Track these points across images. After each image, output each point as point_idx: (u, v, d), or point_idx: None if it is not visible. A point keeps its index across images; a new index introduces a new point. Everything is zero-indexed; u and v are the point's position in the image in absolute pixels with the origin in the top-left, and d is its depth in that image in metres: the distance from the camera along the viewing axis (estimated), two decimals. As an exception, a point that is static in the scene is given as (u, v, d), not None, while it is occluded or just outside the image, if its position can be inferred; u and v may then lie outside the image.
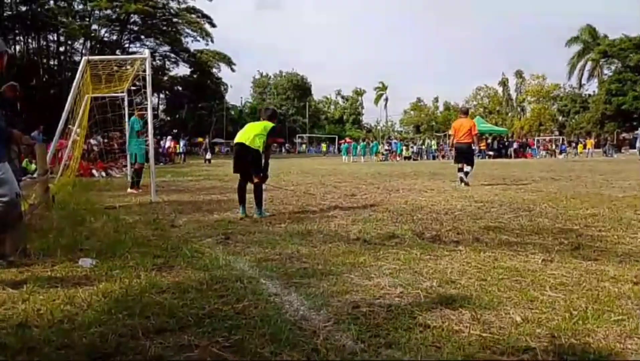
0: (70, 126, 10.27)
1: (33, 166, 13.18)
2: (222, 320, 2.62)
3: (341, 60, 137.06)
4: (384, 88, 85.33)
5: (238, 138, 6.57)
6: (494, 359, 2.17)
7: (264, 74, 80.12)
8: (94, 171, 16.86)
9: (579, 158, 36.14)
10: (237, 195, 6.71)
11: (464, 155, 11.65)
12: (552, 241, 4.69)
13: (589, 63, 63.97)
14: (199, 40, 52.85)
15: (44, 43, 45.76)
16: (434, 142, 49.84)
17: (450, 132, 12.41)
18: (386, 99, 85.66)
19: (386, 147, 42.23)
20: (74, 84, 8.49)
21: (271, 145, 6.88)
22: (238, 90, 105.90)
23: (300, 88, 76.69)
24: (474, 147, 12.22)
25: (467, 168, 11.66)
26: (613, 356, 2.19)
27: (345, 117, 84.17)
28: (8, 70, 4.19)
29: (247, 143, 6.40)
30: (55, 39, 45.84)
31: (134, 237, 4.99)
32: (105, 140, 21.64)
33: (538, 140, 49.75)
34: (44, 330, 2.48)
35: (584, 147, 43.24)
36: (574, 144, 47.86)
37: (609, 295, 3.00)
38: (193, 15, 51.44)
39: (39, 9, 40.74)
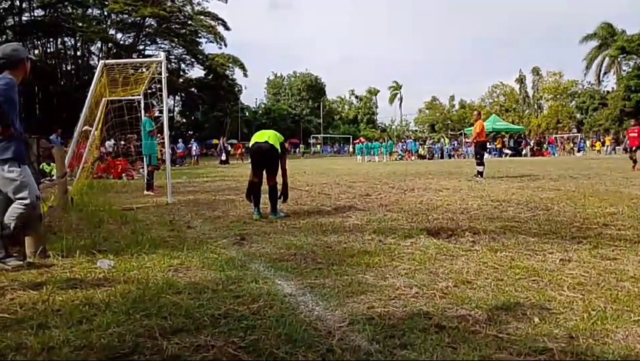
0: (88, 127, 10.40)
1: (51, 168, 13.40)
2: (238, 321, 2.64)
3: (355, 59, 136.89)
4: (399, 87, 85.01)
5: (259, 138, 6.56)
6: (510, 360, 2.15)
7: (278, 74, 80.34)
8: (130, 172, 17.18)
9: (597, 155, 35.56)
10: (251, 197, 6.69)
11: (476, 153, 14.01)
12: (570, 240, 4.62)
13: (607, 59, 62.94)
14: (212, 42, 53.29)
15: (62, 47, 46.49)
16: (448, 140, 49.47)
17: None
18: (400, 98, 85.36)
19: (402, 147, 42.05)
20: (91, 87, 8.60)
21: (286, 158, 6.89)
22: (252, 91, 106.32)
23: (314, 88, 76.68)
24: (488, 146, 14.22)
25: (479, 168, 13.24)
26: (633, 357, 2.16)
27: (359, 117, 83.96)
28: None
29: (270, 141, 6.46)
30: (73, 43, 46.58)
31: (151, 238, 5.04)
32: (122, 143, 21.89)
33: (556, 138, 49.08)
34: (63, 331, 2.52)
35: (602, 144, 42.54)
36: (591, 140, 47.03)
37: (629, 295, 2.96)
38: (207, 18, 51.83)
39: (56, 14, 41.42)
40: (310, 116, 75.31)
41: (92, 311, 2.84)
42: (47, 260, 4.11)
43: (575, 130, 59.45)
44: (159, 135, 10.96)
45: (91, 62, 45.31)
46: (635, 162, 15.54)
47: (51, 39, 44.51)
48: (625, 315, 2.63)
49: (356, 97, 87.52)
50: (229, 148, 36.87)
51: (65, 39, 45.63)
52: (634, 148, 16.19)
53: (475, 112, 15.92)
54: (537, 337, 2.37)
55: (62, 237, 4.93)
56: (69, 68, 47.92)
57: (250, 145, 6.73)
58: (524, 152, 39.84)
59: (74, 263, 4.02)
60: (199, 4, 51.17)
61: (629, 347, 2.25)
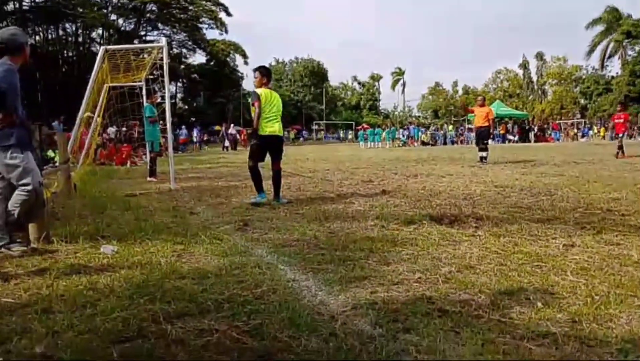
0: (89, 114, 10.38)
1: (55, 155, 13.41)
2: (241, 305, 2.65)
3: (358, 45, 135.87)
4: (401, 73, 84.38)
5: (278, 131, 6.65)
6: (513, 343, 2.15)
7: (280, 60, 79.87)
8: (133, 158, 17.20)
9: (601, 141, 35.40)
10: (253, 182, 6.67)
11: (482, 138, 13.90)
12: (574, 225, 4.61)
13: (612, 44, 62.33)
14: (214, 28, 52.91)
15: (63, 34, 46.25)
16: (452, 127, 49.30)
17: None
18: (403, 84, 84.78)
19: (406, 133, 41.95)
20: (93, 73, 8.57)
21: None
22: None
23: (316, 74, 76.18)
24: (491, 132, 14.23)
25: (483, 153, 13.41)
26: (636, 342, 2.16)
27: (362, 103, 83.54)
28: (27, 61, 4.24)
29: (280, 134, 6.74)
30: (74, 29, 46.33)
31: (154, 224, 5.05)
32: (124, 130, 21.89)
33: (560, 124, 48.85)
34: (67, 315, 2.53)
35: (606, 129, 42.36)
36: (597, 127, 46.83)
37: (632, 280, 2.95)
38: (209, 3, 51.40)
39: (57, 0, 41.13)
40: (313, 102, 74.98)
41: (96, 296, 2.85)
42: (51, 246, 4.13)
43: (579, 116, 59.13)
44: (160, 121, 10.92)
45: (92, 49, 44.99)
46: (620, 148, 14.97)
47: (52, 25, 44.23)
48: (629, 299, 2.63)
49: (359, 83, 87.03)
50: (237, 135, 36.61)
51: (66, 25, 45.36)
52: (620, 135, 15.76)
53: (480, 98, 15.84)
54: (540, 321, 2.37)
55: (65, 223, 4.94)
56: (70, 54, 47.69)
57: (267, 134, 6.53)
58: (528, 136, 39.76)
59: (77, 249, 4.04)
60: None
61: (632, 331, 2.25)
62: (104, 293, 2.89)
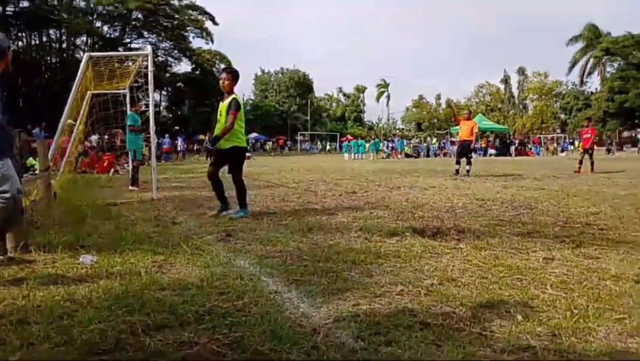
0: (71, 121, 10.26)
1: (35, 162, 13.18)
2: (223, 317, 2.62)
3: (343, 57, 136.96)
4: (386, 85, 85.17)
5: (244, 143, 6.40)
6: (494, 357, 2.16)
7: (266, 70, 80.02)
8: (115, 167, 16.97)
9: (580, 156, 36.01)
10: (216, 192, 6.41)
11: (466, 152, 14.13)
12: (553, 239, 4.67)
13: (591, 60, 63.77)
14: (200, 37, 52.83)
15: (47, 40, 45.77)
16: (435, 139, 49.77)
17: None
18: (388, 96, 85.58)
19: (389, 145, 42.24)
20: (76, 80, 8.48)
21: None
22: (239, 87, 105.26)
23: (302, 85, 76.52)
24: (473, 146, 14.92)
25: (467, 167, 13.70)
26: (614, 355, 2.18)
27: (346, 115, 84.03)
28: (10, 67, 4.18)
29: (239, 145, 6.28)
30: (58, 36, 45.88)
31: (135, 234, 4.99)
32: (106, 137, 21.64)
33: (540, 138, 49.63)
34: (43, 327, 2.48)
35: (575, 145, 43.15)
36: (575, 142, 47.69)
37: (610, 294, 3.00)
38: (195, 12, 51.36)
39: (41, 5, 40.73)
40: (298, 113, 75.16)
41: (74, 307, 2.79)
42: (29, 255, 4.04)
43: (559, 131, 60.20)
44: (143, 129, 10.82)
45: (76, 55, 44.58)
46: (581, 162, 15.19)
47: (35, 31, 43.76)
48: (607, 313, 2.67)
49: (344, 94, 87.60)
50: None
51: (50, 31, 44.92)
52: (587, 149, 15.72)
53: (467, 111, 16.02)
54: (521, 335, 2.39)
55: (44, 232, 4.85)
56: (53, 61, 47.18)
57: (243, 145, 6.44)
58: (509, 150, 40.31)
59: (55, 259, 3.96)
60: (186, -3, 50.70)
61: (609, 345, 2.28)
62: (81, 304, 2.84)
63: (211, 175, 6.34)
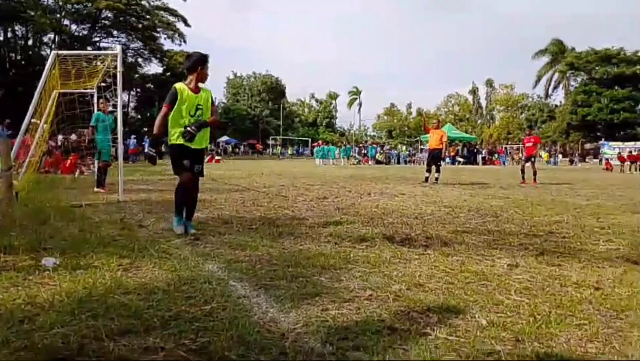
0: (36, 120, 9.97)
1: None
2: (189, 322, 2.58)
3: (316, 63, 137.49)
4: (358, 92, 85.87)
5: (196, 144, 5.20)
6: (459, 362, 2.20)
7: (238, 74, 79.57)
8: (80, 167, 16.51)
9: (544, 166, 37.03)
10: (183, 199, 5.35)
11: (436, 160, 14.26)
12: (518, 246, 4.79)
13: (557, 74, 65.84)
14: (172, 39, 52.12)
15: (12, 36, 44.42)
16: (405, 147, 50.42)
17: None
18: (360, 104, 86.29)
19: (361, 151, 42.55)
20: (42, 78, 8.25)
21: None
22: (211, 89, 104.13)
23: (274, 90, 76.40)
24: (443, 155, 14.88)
25: (436, 174, 13.92)
26: (574, 360, 2.25)
27: (319, 120, 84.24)
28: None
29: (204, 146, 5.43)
30: (24, 32, 44.58)
31: (100, 237, 4.88)
32: (73, 137, 21.10)
33: (506, 148, 50.82)
34: (3, 331, 2.40)
35: (550, 155, 44.39)
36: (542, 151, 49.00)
37: (572, 300, 3.09)
38: (166, 14, 50.72)
39: (7, 1, 39.53)
40: (270, 117, 74.94)
41: (35, 310, 2.71)
42: (-13, 257, 3.90)
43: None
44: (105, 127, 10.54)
45: (43, 53, 43.45)
46: (523, 172, 14.77)
47: (0, 27, 42.44)
48: (568, 319, 2.75)
49: (316, 100, 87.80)
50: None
51: (16, 27, 43.62)
52: (529, 157, 15.29)
53: (436, 121, 16.29)
54: (485, 340, 2.44)
55: (5, 233, 4.70)
56: (19, 58, 45.81)
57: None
58: (476, 159, 41.14)
59: (16, 261, 3.83)
60: (157, -1, 49.99)
61: (571, 350, 2.35)
62: (43, 308, 2.75)
63: (191, 181, 5.32)
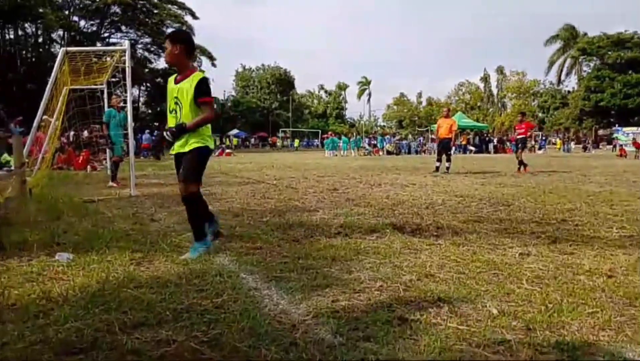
0: (47, 117, 10.05)
1: (10, 158, 12.91)
2: (201, 315, 2.61)
3: (325, 54, 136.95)
4: (367, 83, 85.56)
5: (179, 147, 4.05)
6: (470, 351, 2.20)
7: (247, 67, 79.54)
8: (93, 163, 16.66)
9: (557, 153, 36.67)
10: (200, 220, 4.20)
11: (446, 149, 14.20)
12: (530, 235, 4.76)
13: (569, 60, 64.96)
14: (181, 33, 52.14)
15: (22, 34, 44.75)
16: (415, 137, 50.18)
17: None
18: (369, 94, 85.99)
19: (371, 142, 42.41)
20: (52, 75, 8.32)
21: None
22: (220, 83, 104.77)
23: (283, 82, 76.26)
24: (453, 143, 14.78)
25: (447, 164, 13.84)
26: (586, 348, 2.24)
27: (328, 112, 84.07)
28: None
29: (204, 145, 4.08)
30: (33, 30, 44.88)
31: (113, 231, 4.92)
32: (85, 133, 21.27)
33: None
34: (18, 325, 2.44)
35: (563, 142, 43.94)
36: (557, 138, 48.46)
37: (584, 288, 3.06)
38: (174, 7, 50.76)
39: (16, -1, 39.80)
40: (279, 110, 74.92)
41: (49, 305, 2.75)
42: (3, 253, 3.96)
43: (537, 129, 61.12)
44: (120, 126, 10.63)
45: (52, 50, 43.70)
46: (520, 163, 14.42)
47: (10, 25, 42.74)
48: (580, 307, 2.73)
49: (325, 91, 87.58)
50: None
51: (26, 24, 43.90)
52: (520, 145, 14.99)
53: (445, 109, 16.26)
54: (496, 329, 2.43)
55: (19, 229, 4.77)
56: (29, 55, 46.17)
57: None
58: (488, 148, 40.83)
59: (31, 257, 3.89)
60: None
61: (583, 338, 2.33)
62: (57, 303, 2.79)
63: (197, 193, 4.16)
